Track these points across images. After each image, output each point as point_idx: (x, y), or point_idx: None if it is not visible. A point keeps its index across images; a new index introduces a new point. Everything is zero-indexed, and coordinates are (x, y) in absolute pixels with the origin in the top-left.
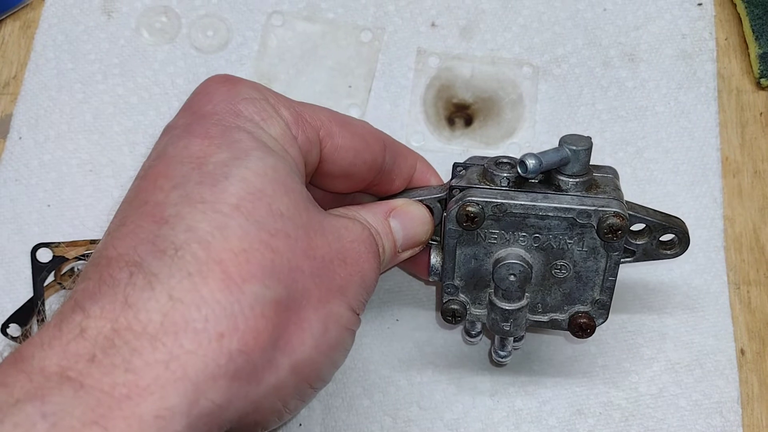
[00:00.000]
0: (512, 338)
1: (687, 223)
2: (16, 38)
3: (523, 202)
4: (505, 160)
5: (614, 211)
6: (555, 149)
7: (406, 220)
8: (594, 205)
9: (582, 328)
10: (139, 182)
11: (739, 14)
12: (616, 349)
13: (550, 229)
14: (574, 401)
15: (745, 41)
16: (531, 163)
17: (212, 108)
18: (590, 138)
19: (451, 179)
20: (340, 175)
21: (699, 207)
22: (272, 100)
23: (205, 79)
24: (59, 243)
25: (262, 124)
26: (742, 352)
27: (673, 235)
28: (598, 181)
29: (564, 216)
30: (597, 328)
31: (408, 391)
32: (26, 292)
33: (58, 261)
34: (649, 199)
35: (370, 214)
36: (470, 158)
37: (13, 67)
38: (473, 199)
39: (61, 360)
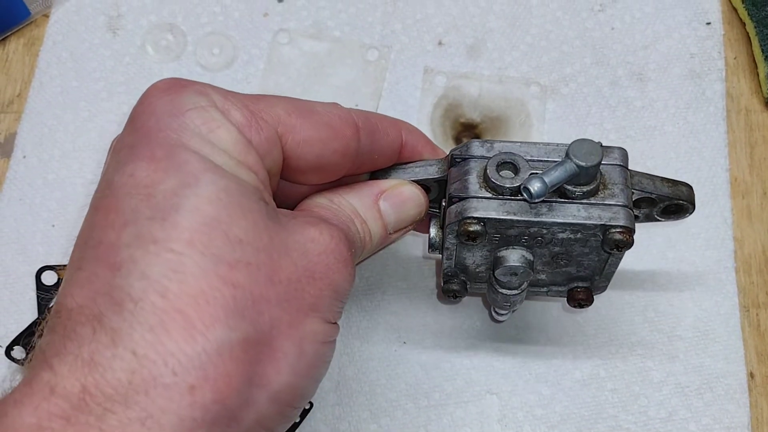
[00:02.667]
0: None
1: (696, 245)
2: (20, 56)
3: (527, 219)
4: (507, 160)
5: (621, 227)
6: (561, 166)
7: (397, 202)
8: (601, 219)
9: (580, 304)
10: (91, 217)
11: (748, 34)
12: (625, 373)
13: (553, 235)
14: (582, 426)
15: (754, 61)
16: (536, 188)
17: (155, 123)
18: (600, 146)
19: (450, 171)
20: (311, 169)
21: (709, 228)
22: (221, 103)
23: (149, 86)
24: (64, 265)
25: (210, 137)
26: (752, 375)
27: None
28: (606, 178)
29: (569, 228)
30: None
31: (415, 415)
32: (30, 314)
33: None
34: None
35: (357, 198)
36: (468, 144)
37: (17, 85)
38: (475, 216)
39: (35, 419)
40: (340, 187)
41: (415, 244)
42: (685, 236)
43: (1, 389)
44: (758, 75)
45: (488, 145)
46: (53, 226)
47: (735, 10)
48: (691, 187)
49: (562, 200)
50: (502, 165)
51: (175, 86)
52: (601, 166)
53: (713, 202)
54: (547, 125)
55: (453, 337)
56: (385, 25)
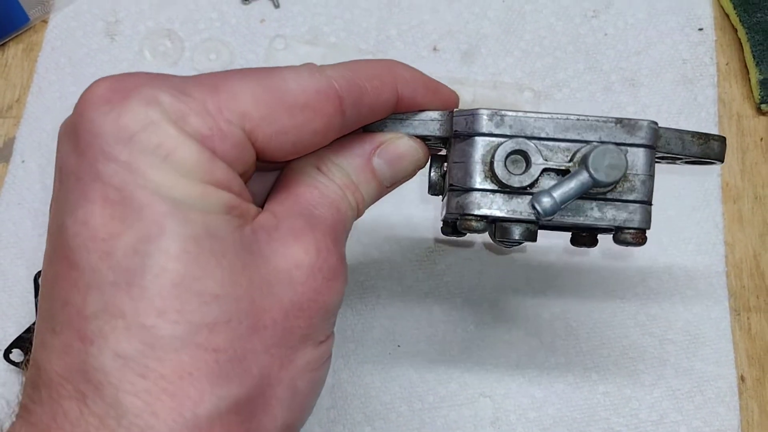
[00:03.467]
0: None
1: (688, 249)
2: (19, 61)
3: (533, 219)
4: (517, 149)
5: (634, 231)
6: (576, 179)
7: (393, 158)
8: (615, 220)
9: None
10: (52, 265)
11: (740, 39)
12: (617, 376)
13: (562, 225)
14: (575, 428)
15: (745, 66)
16: (546, 204)
17: (101, 149)
18: (625, 156)
19: (453, 145)
20: (289, 154)
21: (700, 232)
22: (175, 108)
23: (87, 90)
24: None
25: (169, 161)
26: (743, 378)
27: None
28: (628, 166)
29: (579, 226)
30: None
31: (409, 418)
32: (28, 317)
33: None
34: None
35: (348, 159)
36: (474, 115)
37: (16, 90)
38: (476, 213)
39: None
40: (329, 147)
41: (410, 248)
42: (677, 241)
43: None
44: (750, 80)
45: (498, 118)
46: None
47: (727, 16)
48: (723, 141)
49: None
50: (511, 155)
51: (117, 94)
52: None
53: (705, 207)
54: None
55: (446, 341)
56: (381, 30)
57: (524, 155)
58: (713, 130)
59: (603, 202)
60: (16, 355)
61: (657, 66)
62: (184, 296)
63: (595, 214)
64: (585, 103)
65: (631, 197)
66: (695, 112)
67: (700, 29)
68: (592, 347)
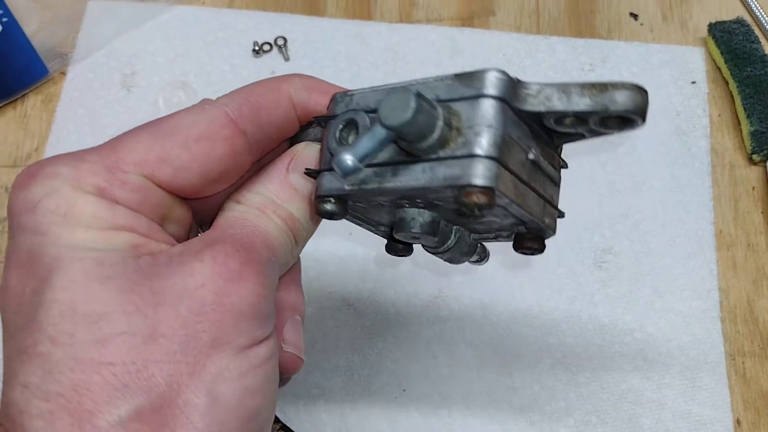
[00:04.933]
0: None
1: (684, 296)
2: (38, 111)
3: (370, 187)
4: (349, 120)
5: (477, 190)
6: (370, 131)
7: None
8: (446, 179)
9: (529, 251)
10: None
11: (731, 92)
12: (616, 420)
13: (423, 196)
14: None
15: (737, 118)
16: (347, 162)
17: (16, 224)
18: (415, 96)
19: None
20: (206, 185)
21: (695, 279)
22: (73, 174)
23: (17, 176)
24: None
25: (68, 217)
26: (738, 422)
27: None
28: (461, 120)
29: (420, 192)
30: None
31: None
32: None
33: None
34: (647, 271)
35: (267, 183)
36: (332, 99)
37: (35, 140)
38: (321, 194)
39: None
40: (254, 175)
41: (415, 294)
42: (673, 287)
43: None
44: (741, 131)
45: (348, 98)
46: None
47: (719, 69)
48: (635, 89)
49: (408, 159)
50: (345, 128)
51: (27, 177)
52: (456, 103)
53: (699, 254)
54: None
55: (450, 385)
56: (386, 82)
57: (356, 127)
58: (707, 179)
59: (436, 162)
60: None
61: (651, 118)
62: (72, 320)
63: (425, 175)
64: (584, 155)
65: (463, 152)
66: (689, 162)
67: (693, 82)
68: (591, 391)
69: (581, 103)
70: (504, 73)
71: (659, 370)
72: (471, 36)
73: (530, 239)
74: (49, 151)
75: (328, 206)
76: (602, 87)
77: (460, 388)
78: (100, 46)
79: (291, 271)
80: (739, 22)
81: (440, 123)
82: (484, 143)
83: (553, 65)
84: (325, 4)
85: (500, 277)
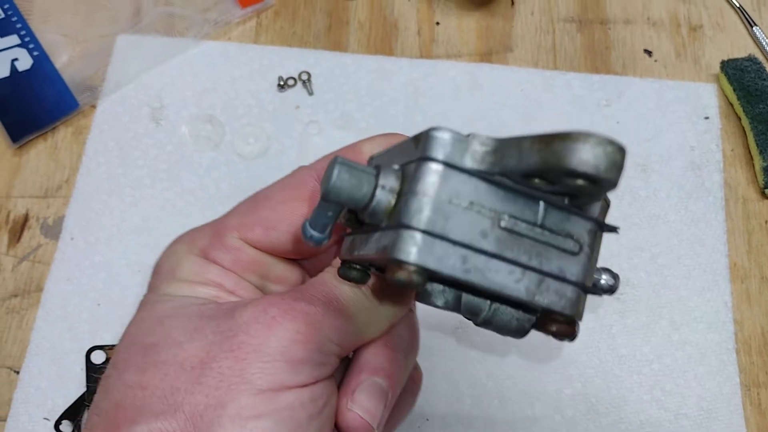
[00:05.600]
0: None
1: (699, 328)
2: (68, 144)
3: (346, 258)
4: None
5: (393, 261)
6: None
7: None
8: (381, 250)
9: (557, 335)
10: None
11: (744, 128)
12: None
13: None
14: None
15: (750, 152)
16: (303, 229)
17: (150, 283)
18: (334, 163)
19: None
20: (294, 245)
21: (710, 311)
22: (190, 238)
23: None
24: (112, 346)
25: (175, 272)
26: None
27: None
28: (408, 179)
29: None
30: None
31: None
32: (76, 389)
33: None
34: (664, 303)
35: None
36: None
37: (65, 171)
38: (343, 257)
39: None
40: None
41: (437, 325)
42: (689, 320)
43: None
44: (754, 166)
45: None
46: (99, 305)
47: (731, 105)
48: (579, 137)
49: (374, 228)
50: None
51: (167, 247)
52: (409, 167)
53: (714, 287)
54: None
55: (472, 416)
56: (407, 117)
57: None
58: (720, 213)
59: (383, 230)
60: (66, 426)
61: (666, 152)
62: (130, 350)
63: (376, 245)
64: None
65: (395, 220)
66: (703, 196)
67: (706, 118)
68: (611, 422)
69: (531, 160)
70: (449, 131)
71: (676, 400)
72: (490, 71)
73: (551, 321)
74: (80, 182)
75: (353, 273)
76: (549, 138)
77: (482, 418)
78: (129, 80)
79: (389, 336)
80: (751, 59)
81: (379, 189)
82: (412, 212)
83: (570, 100)
84: (347, 40)
85: None
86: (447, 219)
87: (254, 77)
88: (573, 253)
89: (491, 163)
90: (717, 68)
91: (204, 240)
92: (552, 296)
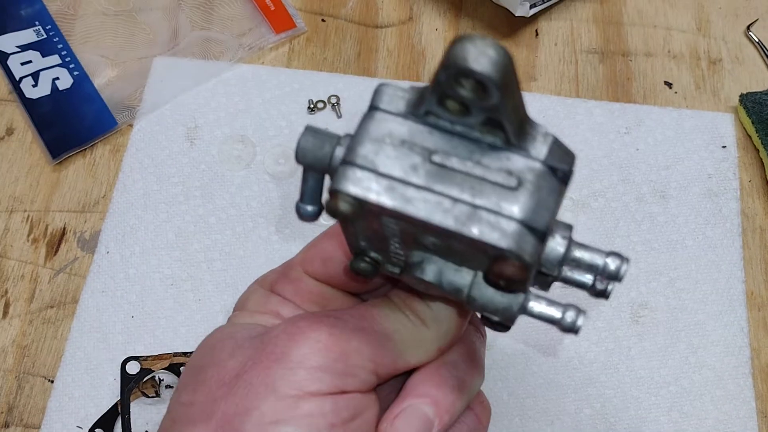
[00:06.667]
0: None
1: (716, 351)
2: (106, 160)
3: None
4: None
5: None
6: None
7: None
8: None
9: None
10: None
11: (761, 159)
12: None
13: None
14: None
15: (767, 184)
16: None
17: (231, 315)
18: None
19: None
20: (352, 276)
21: (727, 335)
22: (264, 276)
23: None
24: (146, 356)
25: (244, 305)
26: None
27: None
28: None
29: None
30: None
31: None
32: (109, 398)
33: (144, 373)
34: (682, 327)
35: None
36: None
37: (102, 187)
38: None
39: None
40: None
41: None
42: (706, 343)
43: None
44: None
45: None
46: (132, 317)
47: (749, 137)
48: (471, 37)
49: None
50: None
51: (240, 302)
52: None
53: (730, 312)
54: (579, 236)
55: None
56: None
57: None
58: (737, 240)
59: None
60: None
61: (684, 180)
62: (190, 371)
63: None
64: (619, 212)
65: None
66: (720, 222)
67: (724, 147)
68: None
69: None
70: (390, 85)
71: (693, 423)
72: None
73: (500, 262)
74: (116, 198)
75: (361, 264)
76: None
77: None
78: (165, 101)
79: (441, 361)
80: None
81: (338, 147)
82: (348, 150)
83: (591, 127)
84: (376, 66)
85: (541, 329)
86: (377, 154)
87: (285, 100)
88: (511, 189)
89: (423, 105)
90: (736, 101)
91: (273, 276)
92: (484, 227)
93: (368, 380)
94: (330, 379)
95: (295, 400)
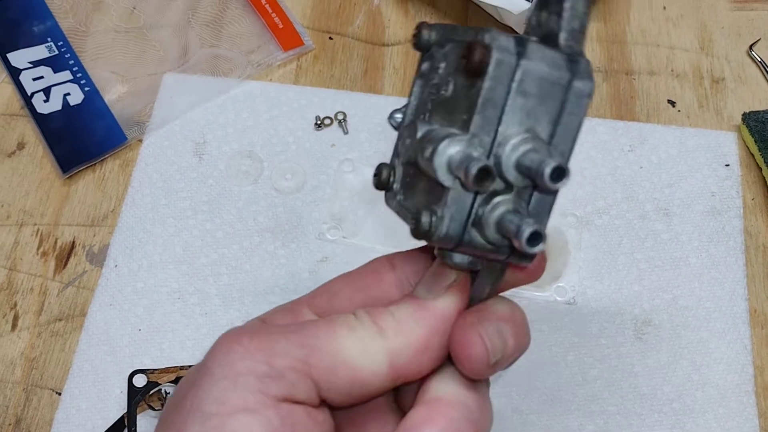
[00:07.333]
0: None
1: (719, 369)
2: (115, 175)
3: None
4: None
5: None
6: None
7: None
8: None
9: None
10: None
11: (764, 177)
12: None
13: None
14: None
15: None
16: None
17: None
18: None
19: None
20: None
21: (730, 353)
22: (274, 315)
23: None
24: (153, 369)
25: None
26: None
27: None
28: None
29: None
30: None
31: None
32: (116, 411)
33: (151, 386)
34: (685, 344)
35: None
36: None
37: (112, 202)
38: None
39: None
40: None
41: None
42: (709, 361)
43: None
44: None
45: None
46: (140, 330)
47: (752, 155)
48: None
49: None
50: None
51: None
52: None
53: (734, 330)
54: (583, 253)
55: None
56: None
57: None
58: (740, 258)
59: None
60: None
61: (688, 197)
62: (164, 410)
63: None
64: (623, 229)
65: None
66: (723, 240)
67: (727, 165)
68: None
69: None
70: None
71: None
72: None
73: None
74: (125, 212)
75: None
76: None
77: None
78: (174, 117)
79: (435, 406)
80: None
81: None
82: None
83: (595, 145)
84: (382, 83)
85: (545, 345)
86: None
87: (293, 116)
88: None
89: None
90: (738, 120)
91: (281, 313)
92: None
93: (305, 389)
94: (254, 382)
95: (221, 420)
